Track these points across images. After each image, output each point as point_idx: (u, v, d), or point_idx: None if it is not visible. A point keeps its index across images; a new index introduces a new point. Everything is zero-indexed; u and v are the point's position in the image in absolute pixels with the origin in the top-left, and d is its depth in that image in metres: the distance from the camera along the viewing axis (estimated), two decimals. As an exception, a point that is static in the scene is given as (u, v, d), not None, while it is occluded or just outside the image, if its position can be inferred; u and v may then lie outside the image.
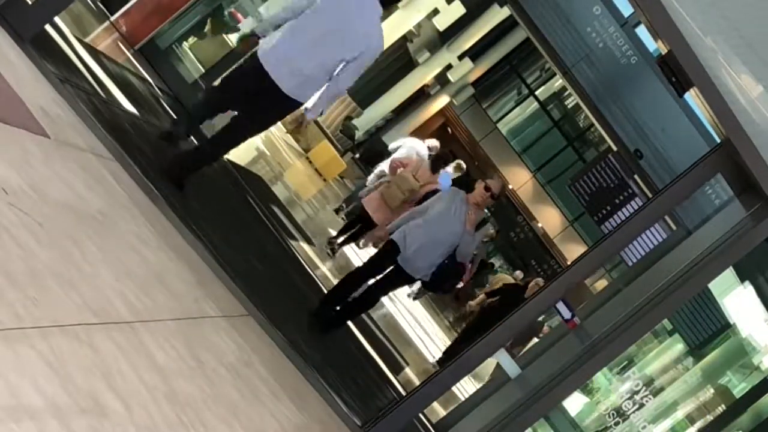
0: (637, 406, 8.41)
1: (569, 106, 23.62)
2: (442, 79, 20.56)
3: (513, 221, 24.05)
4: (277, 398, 4.14)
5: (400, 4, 15.41)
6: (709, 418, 10.33)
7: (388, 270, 6.74)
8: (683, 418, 10.62)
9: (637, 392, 8.51)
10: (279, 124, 14.53)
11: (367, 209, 9.17)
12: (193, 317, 3.92)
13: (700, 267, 5.56)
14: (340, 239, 10.19)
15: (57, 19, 6.25)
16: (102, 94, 5.72)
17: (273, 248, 7.39)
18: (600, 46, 10.88)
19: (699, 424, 10.44)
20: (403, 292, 12.15)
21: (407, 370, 9.46)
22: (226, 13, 11.64)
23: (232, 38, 12.29)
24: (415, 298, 13.82)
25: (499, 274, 14.57)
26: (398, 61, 19.86)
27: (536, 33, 11.05)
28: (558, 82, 21.97)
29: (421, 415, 6.19)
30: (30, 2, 4.95)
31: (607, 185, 12.26)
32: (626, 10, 10.94)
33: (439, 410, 7.41)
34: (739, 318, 10.55)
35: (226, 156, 8.74)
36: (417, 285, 10.52)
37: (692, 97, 5.37)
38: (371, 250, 9.01)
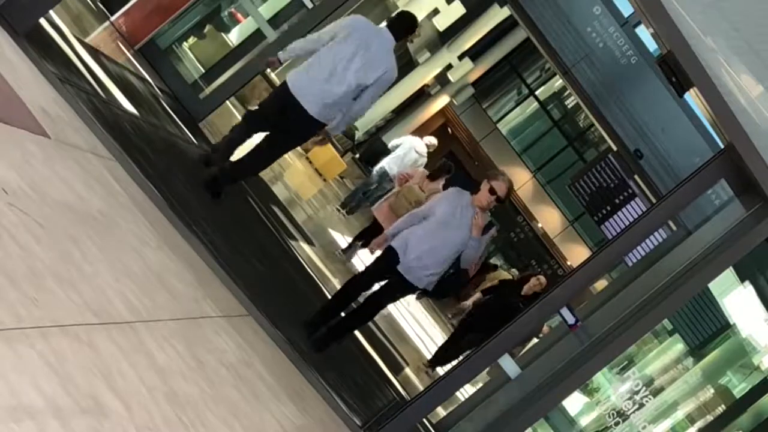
0: (637, 406, 8.42)
1: (569, 106, 23.62)
2: (442, 79, 20.55)
3: (513, 221, 24.05)
4: (277, 398, 4.14)
5: (399, 4, 15.43)
6: (709, 418, 10.34)
7: (388, 279, 6.20)
8: (683, 418, 10.62)
9: (637, 392, 8.52)
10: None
11: (378, 219, 9.66)
12: (193, 317, 3.92)
13: (700, 267, 5.56)
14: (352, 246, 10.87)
15: (57, 19, 6.26)
16: (102, 94, 5.72)
17: (273, 248, 7.39)
18: (600, 46, 10.88)
19: (699, 424, 10.45)
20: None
21: (407, 370, 9.46)
22: (226, 13, 11.65)
23: (232, 38, 12.31)
24: (417, 298, 13.84)
25: (497, 270, 14.48)
26: (398, 61, 19.83)
27: (536, 33, 11.05)
28: (558, 82, 21.97)
29: (421, 415, 6.20)
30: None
31: (607, 185, 12.26)
32: (626, 10, 10.94)
33: (439, 410, 7.40)
34: (739, 318, 10.56)
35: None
36: None
37: (692, 97, 5.37)
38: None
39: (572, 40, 10.87)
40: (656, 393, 9.61)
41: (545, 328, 10.81)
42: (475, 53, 19.98)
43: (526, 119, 24.52)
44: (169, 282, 3.93)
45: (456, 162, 22.91)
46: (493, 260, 21.17)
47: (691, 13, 4.90)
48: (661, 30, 4.90)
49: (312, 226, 11.03)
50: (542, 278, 10.20)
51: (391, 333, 10.08)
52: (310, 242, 9.68)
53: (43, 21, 5.55)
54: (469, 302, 11.66)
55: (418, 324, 13.02)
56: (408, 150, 11.76)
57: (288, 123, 5.90)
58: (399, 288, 6.18)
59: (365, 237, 10.39)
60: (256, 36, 10.56)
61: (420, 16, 16.20)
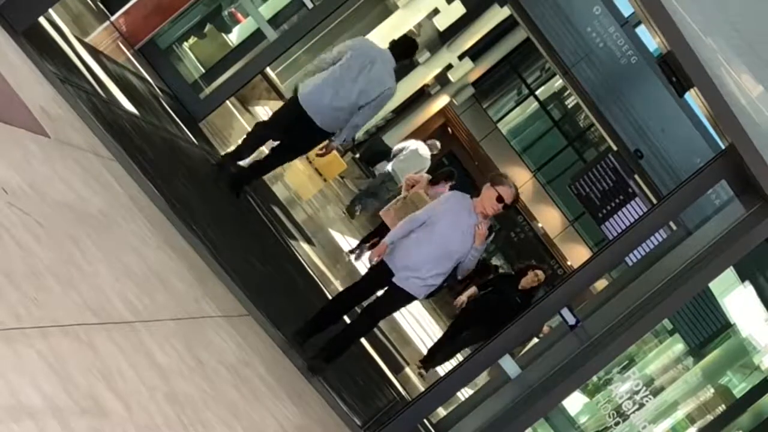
0: (637, 406, 8.41)
1: (569, 106, 23.62)
2: (442, 79, 20.54)
3: (513, 221, 24.05)
4: (277, 398, 4.14)
5: (399, 4, 15.42)
6: (709, 418, 10.33)
7: (385, 288, 5.78)
8: (683, 418, 10.62)
9: (637, 392, 8.51)
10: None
11: (386, 222, 9.89)
12: (193, 317, 3.92)
13: (700, 267, 5.56)
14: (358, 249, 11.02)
15: (57, 19, 6.26)
16: (102, 94, 5.72)
17: (273, 248, 7.39)
18: (600, 46, 10.88)
19: (699, 424, 10.44)
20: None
21: (407, 369, 9.46)
22: (226, 13, 11.64)
23: (232, 38, 12.30)
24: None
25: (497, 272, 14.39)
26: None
27: (536, 33, 11.05)
28: (558, 82, 21.96)
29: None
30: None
31: (607, 185, 12.26)
32: (626, 10, 10.94)
33: (439, 410, 7.40)
34: (739, 318, 10.55)
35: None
36: None
37: (692, 97, 5.37)
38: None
39: (572, 40, 10.87)
40: (656, 393, 9.60)
41: (545, 328, 10.78)
42: (475, 53, 19.97)
43: (526, 119, 24.52)
44: (169, 282, 3.93)
45: (456, 162, 22.96)
46: (494, 260, 21.17)
47: (691, 13, 4.90)
48: (661, 30, 4.90)
49: (312, 226, 11.03)
50: (540, 272, 9.78)
51: (391, 333, 10.08)
52: (310, 242, 9.68)
53: (43, 20, 5.55)
54: (463, 297, 10.48)
55: (418, 324, 13.02)
56: (412, 153, 11.88)
57: (296, 132, 6.59)
58: (396, 298, 5.75)
59: (373, 239, 10.55)
60: (256, 36, 10.56)
61: (420, 16, 16.20)
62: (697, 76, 4.92)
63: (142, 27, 8.48)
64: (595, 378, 8.57)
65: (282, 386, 4.42)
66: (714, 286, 9.05)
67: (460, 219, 5.58)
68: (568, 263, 22.70)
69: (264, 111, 13.83)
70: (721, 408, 10.35)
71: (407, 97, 19.62)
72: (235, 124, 11.26)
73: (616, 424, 8.46)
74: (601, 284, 10.66)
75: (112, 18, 8.37)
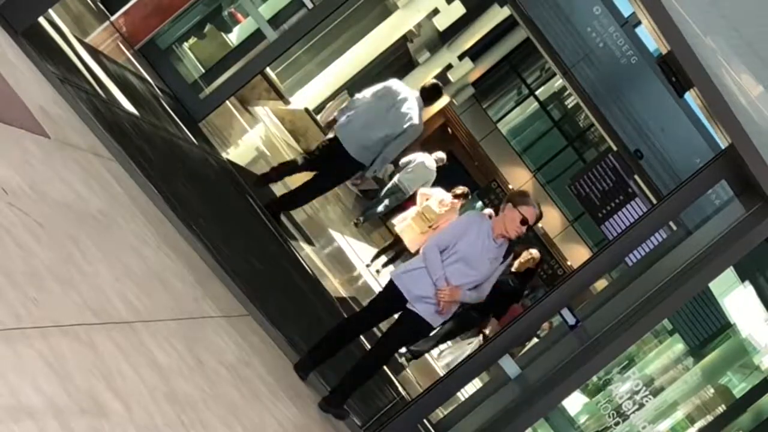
0: (637, 406, 8.42)
1: (569, 106, 23.62)
2: (442, 79, 20.55)
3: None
4: (277, 398, 4.14)
5: (399, 4, 15.43)
6: (709, 418, 10.34)
7: (397, 316, 5.29)
8: (683, 418, 10.62)
9: (637, 392, 8.52)
10: (278, 123, 14.55)
11: (403, 238, 10.51)
12: (193, 317, 3.92)
13: (700, 267, 5.56)
14: (379, 262, 11.30)
15: (57, 19, 6.26)
16: (102, 94, 5.72)
17: (273, 248, 7.39)
18: (600, 46, 10.88)
19: (699, 424, 10.44)
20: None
21: (407, 370, 9.46)
22: (226, 13, 11.64)
23: (232, 38, 12.31)
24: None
25: None
26: (398, 61, 19.85)
27: (536, 33, 11.06)
28: (558, 82, 21.96)
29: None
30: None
31: (607, 185, 12.26)
32: (626, 10, 10.94)
33: (439, 410, 7.41)
34: (739, 318, 10.56)
35: (227, 157, 8.78)
36: None
37: (692, 97, 5.37)
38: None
39: (572, 40, 10.87)
40: (656, 393, 9.61)
41: (545, 324, 10.76)
42: (475, 53, 19.98)
43: (526, 119, 24.53)
44: (169, 282, 3.93)
45: (456, 162, 22.95)
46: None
47: (691, 13, 4.90)
48: (661, 30, 4.90)
49: (312, 226, 11.03)
50: (534, 251, 9.17)
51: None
52: (310, 242, 9.68)
53: (43, 21, 5.55)
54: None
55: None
56: (418, 166, 12.30)
57: (332, 163, 7.32)
58: (410, 327, 5.23)
59: (390, 254, 10.97)
60: (256, 36, 10.56)
61: (420, 16, 16.21)
62: (697, 76, 4.93)
63: (142, 27, 8.48)
64: (595, 378, 8.57)
65: (282, 386, 4.42)
66: (714, 286, 9.05)
67: (479, 243, 5.15)
68: (568, 263, 22.70)
69: (264, 111, 13.83)
70: (721, 408, 10.36)
71: (407, 98, 19.60)
72: (235, 124, 11.26)
73: (616, 424, 8.46)
74: (601, 284, 10.66)
75: (112, 18, 8.37)
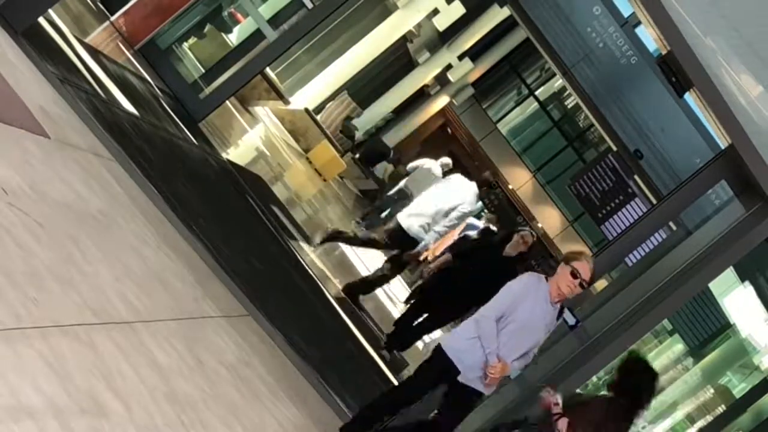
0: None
1: (569, 106, 23.61)
2: (442, 79, 20.53)
3: (513, 221, 24.04)
4: (277, 398, 4.14)
5: (399, 4, 15.43)
6: (709, 418, 10.34)
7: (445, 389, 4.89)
8: (683, 418, 10.63)
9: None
10: (278, 123, 14.55)
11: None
12: (193, 317, 3.92)
13: (700, 267, 5.56)
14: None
15: (57, 19, 6.26)
16: (102, 94, 5.72)
17: (273, 248, 7.39)
18: (600, 46, 10.89)
19: (699, 424, 10.45)
20: (399, 288, 12.14)
21: (407, 370, 9.44)
22: (226, 13, 11.64)
23: (232, 38, 12.31)
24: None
25: None
26: (398, 61, 19.86)
27: (536, 33, 11.06)
28: (558, 82, 21.95)
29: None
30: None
31: (607, 185, 12.26)
32: (626, 10, 10.95)
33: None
34: (739, 318, 10.56)
35: (227, 157, 8.78)
36: None
37: (692, 97, 5.37)
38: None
39: (572, 40, 10.87)
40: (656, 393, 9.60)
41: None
42: (475, 53, 19.97)
43: (526, 119, 24.52)
44: (169, 282, 3.93)
45: (456, 162, 22.92)
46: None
47: (691, 13, 4.90)
48: (661, 30, 4.90)
49: (312, 226, 11.03)
50: (526, 232, 8.00)
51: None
52: (309, 242, 9.67)
53: (43, 21, 5.55)
54: (433, 266, 8.70)
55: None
56: (425, 172, 12.66)
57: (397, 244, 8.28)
58: (464, 402, 4.92)
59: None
60: (256, 36, 10.57)
61: (420, 17, 16.21)
62: (696, 76, 4.93)
63: (142, 27, 8.48)
64: (595, 378, 8.56)
65: (282, 386, 4.42)
66: (714, 286, 9.06)
67: (537, 308, 4.84)
68: (568, 263, 22.66)
69: (264, 111, 13.83)
70: (721, 408, 10.36)
71: (407, 98, 19.63)
72: (235, 124, 11.26)
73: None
74: (601, 284, 10.66)
75: (112, 18, 8.37)
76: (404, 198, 12.55)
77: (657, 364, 11.15)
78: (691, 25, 4.93)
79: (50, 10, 5.76)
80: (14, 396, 2.09)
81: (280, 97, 14.44)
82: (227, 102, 9.87)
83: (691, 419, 10.65)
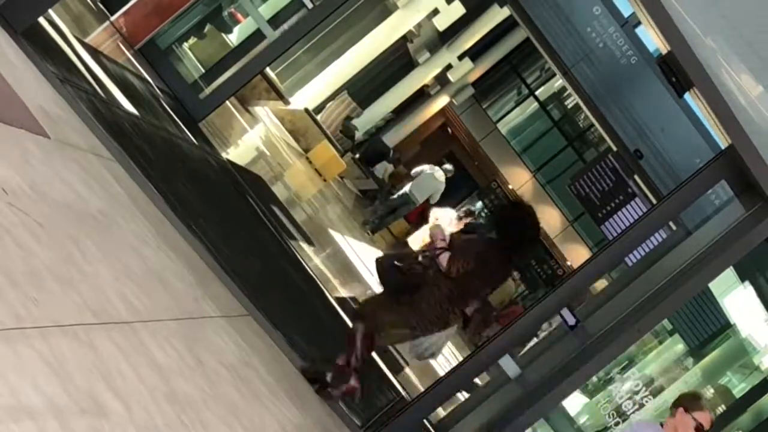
0: (637, 406, 8.42)
1: (569, 106, 23.60)
2: (442, 79, 20.52)
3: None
4: (277, 398, 4.14)
5: (399, 4, 15.42)
6: (709, 418, 10.31)
7: None
8: (683, 418, 10.59)
9: (637, 392, 8.52)
10: (278, 123, 14.55)
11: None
12: (193, 317, 3.92)
13: (700, 267, 5.56)
14: None
15: (57, 19, 6.26)
16: (102, 94, 5.72)
17: (273, 248, 7.39)
18: (600, 46, 10.88)
19: (699, 424, 10.42)
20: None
21: (407, 370, 9.45)
22: (226, 13, 11.65)
23: (232, 38, 12.31)
24: None
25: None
26: (398, 61, 19.85)
27: (536, 33, 11.05)
28: (558, 82, 21.95)
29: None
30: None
31: (607, 185, 12.26)
32: (626, 10, 10.94)
33: (439, 410, 7.40)
34: (739, 318, 10.56)
35: (227, 157, 8.78)
36: None
37: (692, 97, 5.37)
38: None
39: (572, 40, 10.87)
40: (656, 393, 9.61)
41: (544, 324, 10.75)
42: (475, 53, 19.97)
43: (526, 119, 24.51)
44: (169, 282, 3.93)
45: (456, 162, 22.93)
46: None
47: (691, 13, 4.90)
48: (661, 30, 4.90)
49: (312, 226, 11.03)
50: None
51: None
52: (309, 242, 9.68)
53: (43, 21, 5.55)
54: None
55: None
56: (428, 177, 12.85)
57: None
58: None
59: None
60: (256, 36, 10.56)
61: (420, 17, 16.21)
62: (696, 76, 4.92)
63: (142, 27, 8.48)
64: (595, 378, 8.57)
65: (282, 386, 4.42)
66: (714, 286, 9.05)
67: None
68: (568, 263, 22.69)
69: (264, 111, 13.84)
70: (721, 408, 10.35)
71: (407, 98, 19.63)
72: (235, 124, 11.26)
73: (616, 424, 8.46)
74: (601, 284, 10.65)
75: (112, 18, 8.37)
76: (408, 203, 12.78)
77: (657, 364, 11.16)
78: (691, 25, 4.93)
79: (50, 10, 5.76)
80: (14, 396, 2.09)
81: (280, 97, 14.44)
82: (227, 102, 9.87)
83: (691, 419, 10.62)
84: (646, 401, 8.43)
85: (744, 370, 10.91)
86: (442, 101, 21.66)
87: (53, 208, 3.26)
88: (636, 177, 11.76)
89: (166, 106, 7.84)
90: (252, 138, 11.98)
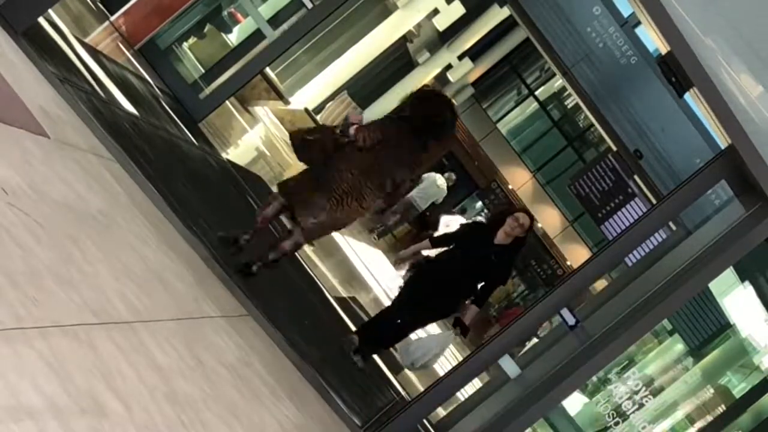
0: (637, 406, 8.41)
1: (569, 106, 23.60)
2: (442, 79, 20.53)
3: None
4: (277, 398, 4.14)
5: (399, 4, 15.42)
6: (709, 418, 10.32)
7: None
8: (683, 418, 10.61)
9: (637, 392, 8.51)
10: (278, 123, 14.54)
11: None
12: (193, 317, 3.92)
13: (700, 267, 5.56)
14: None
15: (57, 19, 6.26)
16: (102, 94, 5.72)
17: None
18: (600, 46, 10.88)
19: (699, 424, 10.43)
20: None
21: (407, 370, 9.44)
22: (225, 13, 11.64)
23: (232, 38, 12.30)
24: None
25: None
26: (398, 61, 19.84)
27: (536, 33, 11.05)
28: (558, 82, 21.95)
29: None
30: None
31: (607, 185, 12.26)
32: (626, 10, 10.94)
33: (439, 410, 7.40)
34: (739, 318, 10.55)
35: (227, 157, 8.77)
36: None
37: (692, 97, 5.37)
38: None
39: (572, 40, 10.87)
40: (656, 393, 9.60)
41: (544, 324, 10.75)
42: (475, 53, 19.97)
43: (526, 119, 24.51)
44: (169, 282, 3.93)
45: (456, 162, 22.93)
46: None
47: (691, 13, 4.90)
48: (661, 30, 4.90)
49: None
50: (521, 215, 6.53)
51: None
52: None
53: (42, 21, 5.54)
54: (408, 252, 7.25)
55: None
56: (430, 184, 13.18)
57: None
58: None
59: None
60: (256, 36, 10.56)
61: (420, 16, 16.21)
62: (696, 76, 4.92)
63: (142, 27, 8.48)
64: (595, 378, 8.57)
65: (282, 386, 4.42)
66: (714, 286, 9.05)
67: None
68: (568, 263, 22.69)
69: (264, 111, 13.83)
70: (721, 408, 10.35)
71: (407, 98, 19.60)
72: (235, 124, 11.26)
73: (616, 424, 8.46)
74: (601, 284, 10.65)
75: (112, 18, 8.37)
76: (411, 210, 13.16)
77: (657, 364, 11.16)
78: (691, 24, 4.93)
79: (50, 10, 5.76)
80: (14, 396, 2.09)
81: (280, 97, 14.43)
82: (227, 102, 9.87)
83: (691, 419, 10.63)
84: (646, 401, 8.43)
85: (744, 370, 10.90)
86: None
87: (53, 208, 3.26)
88: (636, 177, 11.77)
89: (166, 106, 7.84)
90: (252, 138, 11.97)
